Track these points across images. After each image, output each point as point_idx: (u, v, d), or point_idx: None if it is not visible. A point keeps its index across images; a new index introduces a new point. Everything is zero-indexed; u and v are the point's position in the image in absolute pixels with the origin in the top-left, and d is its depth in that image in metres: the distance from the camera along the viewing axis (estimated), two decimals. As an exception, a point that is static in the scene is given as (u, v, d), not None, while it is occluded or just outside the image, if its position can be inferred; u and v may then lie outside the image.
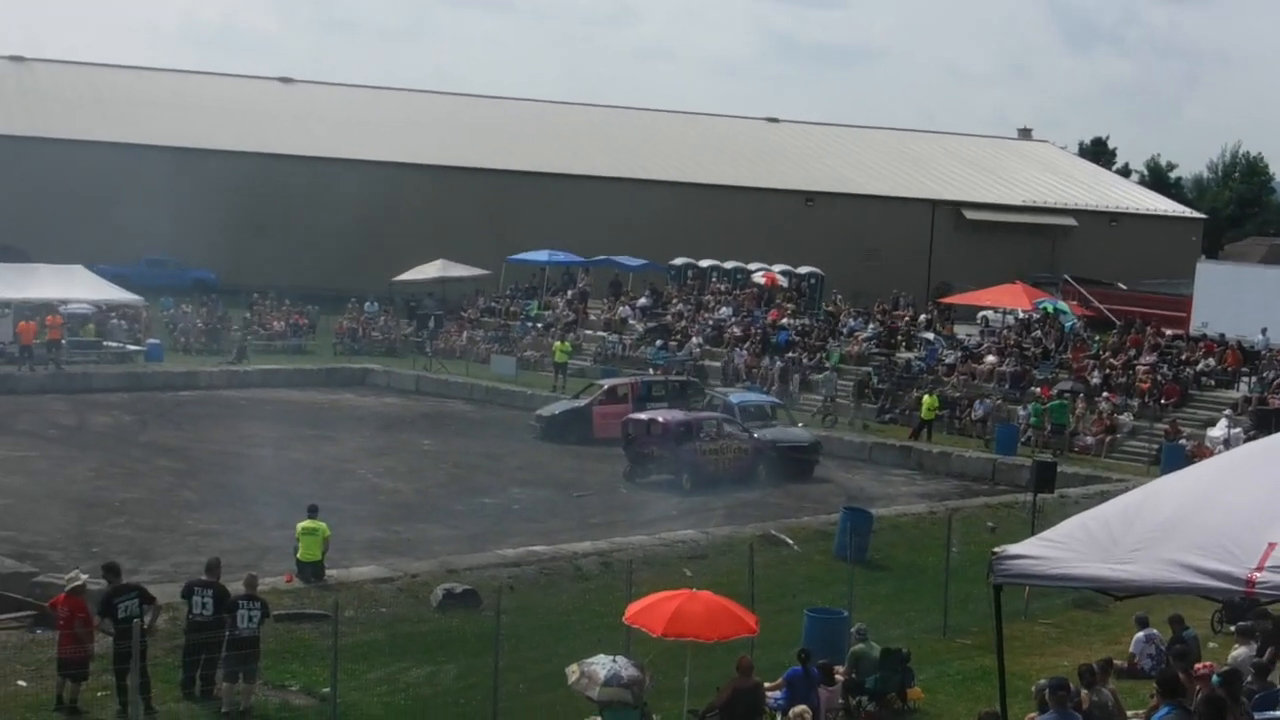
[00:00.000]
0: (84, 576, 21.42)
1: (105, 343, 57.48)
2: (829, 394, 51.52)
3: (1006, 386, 50.59)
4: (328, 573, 26.92)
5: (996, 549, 13.84)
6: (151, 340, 58.07)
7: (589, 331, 63.00)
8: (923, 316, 60.72)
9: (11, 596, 25.19)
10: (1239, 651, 20.96)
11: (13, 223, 67.41)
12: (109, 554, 28.19)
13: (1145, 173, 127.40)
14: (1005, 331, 57.67)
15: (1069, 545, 13.23)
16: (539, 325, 63.83)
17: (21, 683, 21.36)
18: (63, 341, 54.03)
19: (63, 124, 77.29)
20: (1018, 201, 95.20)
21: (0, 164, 71.33)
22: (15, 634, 23.72)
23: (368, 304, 67.34)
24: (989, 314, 65.30)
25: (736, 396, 46.04)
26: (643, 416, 41.90)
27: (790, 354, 55.57)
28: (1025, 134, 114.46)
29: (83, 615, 20.48)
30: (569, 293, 67.78)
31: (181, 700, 20.87)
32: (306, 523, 26.90)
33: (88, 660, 20.43)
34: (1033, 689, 18.65)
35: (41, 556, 28.44)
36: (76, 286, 57.02)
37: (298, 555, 26.78)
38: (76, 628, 20.37)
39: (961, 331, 59.30)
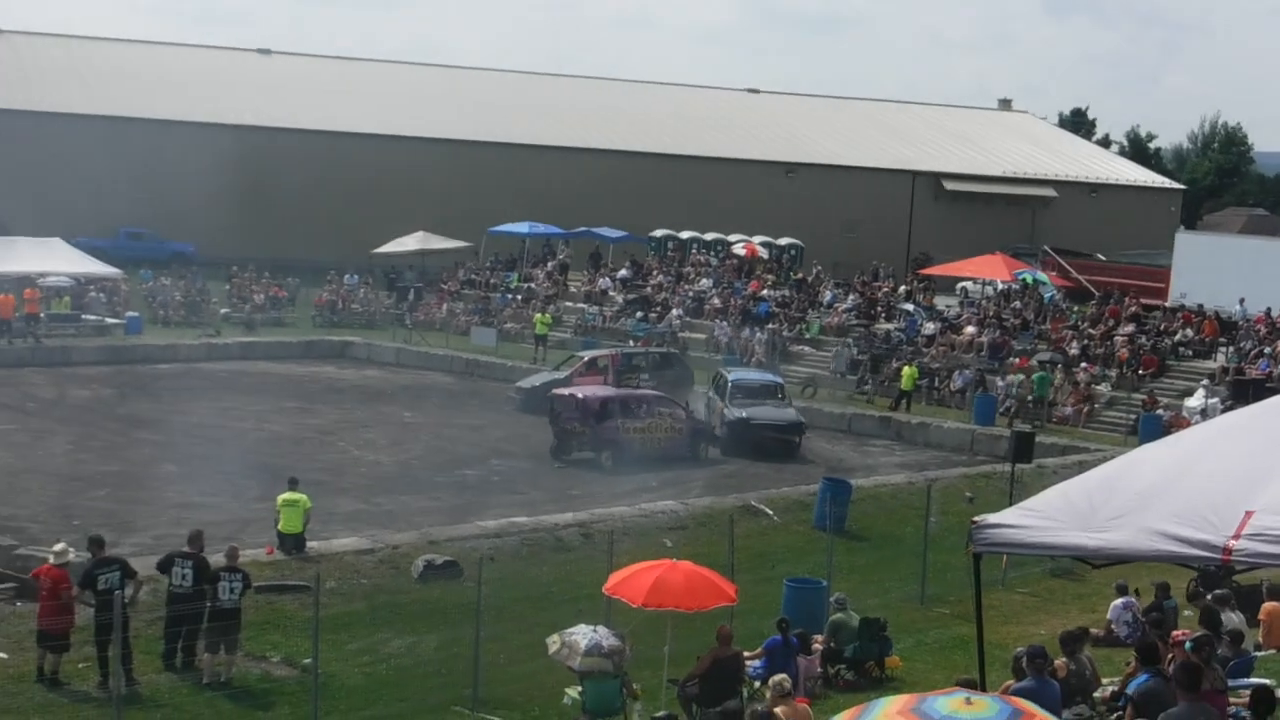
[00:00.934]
0: (71, 551, 21.42)
1: (84, 316, 57.29)
2: (837, 368, 51.57)
3: (985, 357, 50.71)
4: (308, 544, 26.95)
5: (976, 518, 13.93)
6: (130, 313, 57.92)
7: (569, 303, 63.02)
8: (902, 288, 60.81)
9: (-8, 569, 25.20)
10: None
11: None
12: (90, 527, 28.13)
13: (1125, 143, 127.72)
14: (985, 302, 57.83)
15: (1048, 514, 13.35)
16: (519, 297, 63.81)
17: (1, 654, 21.37)
18: (41, 315, 53.90)
19: (41, 96, 76.94)
20: (997, 172, 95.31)
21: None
22: (-4, 606, 23.74)
23: (347, 276, 67.22)
24: (968, 285, 65.46)
25: (735, 374, 45.40)
26: (565, 391, 41.24)
27: (771, 325, 55.60)
28: (1005, 104, 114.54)
29: (65, 586, 20.50)
30: (549, 264, 67.76)
31: (163, 672, 20.92)
32: (287, 495, 26.93)
33: (69, 632, 20.46)
34: (1010, 657, 18.75)
35: (22, 530, 28.42)
36: (55, 259, 56.84)
37: (278, 527, 26.80)
38: (62, 598, 20.39)
39: (941, 303, 59.43)
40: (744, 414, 41.73)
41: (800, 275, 62.97)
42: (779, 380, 45.34)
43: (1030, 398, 46.93)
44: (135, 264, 65.33)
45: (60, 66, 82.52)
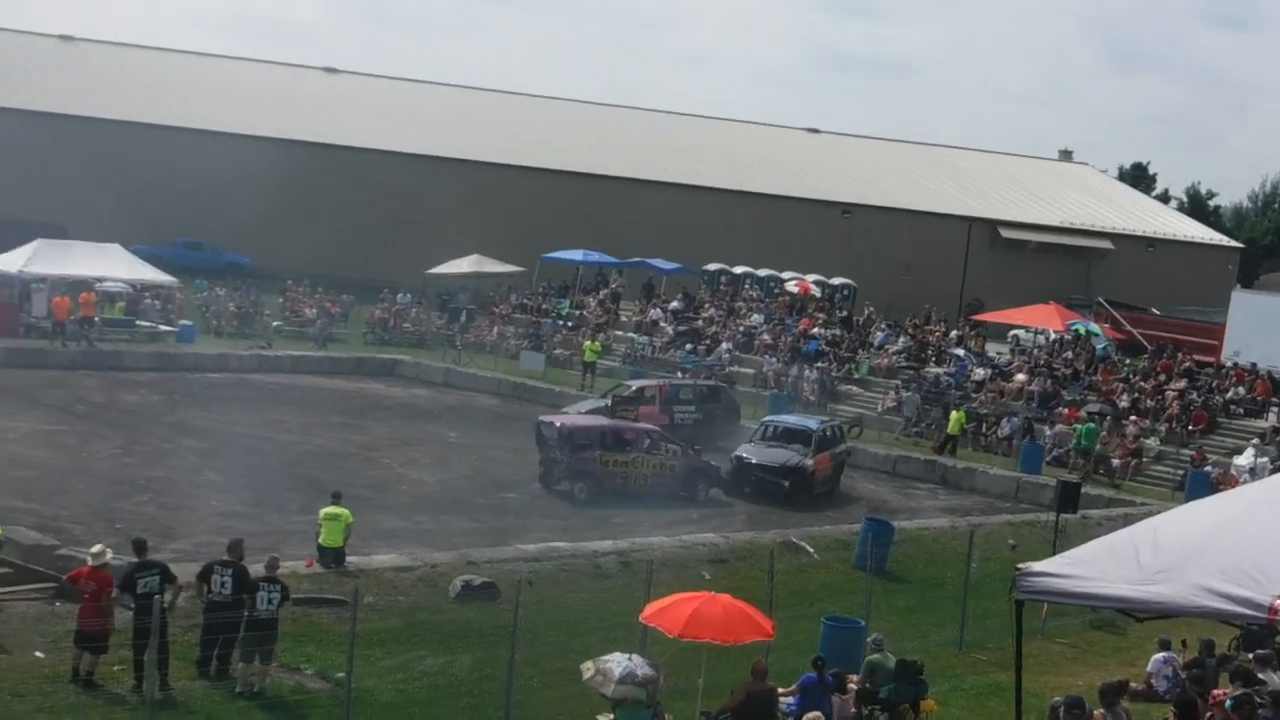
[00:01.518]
0: (109, 553, 21.51)
1: (138, 322, 57.65)
2: (910, 414, 51.11)
3: (1035, 405, 50.44)
4: (348, 559, 27.04)
5: (1021, 565, 13.84)
6: (184, 322, 58.25)
7: (619, 332, 63.04)
8: (954, 332, 60.57)
9: (34, 568, 25.34)
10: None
11: (52, 200, 67.67)
12: (132, 531, 28.29)
13: (1185, 199, 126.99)
14: (1036, 351, 57.54)
15: (1094, 565, 13.26)
16: (570, 324, 63.88)
17: (39, 654, 21.48)
18: (96, 319, 54.24)
19: (107, 104, 77.64)
20: (1055, 222, 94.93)
21: (44, 141, 71.70)
22: (35, 605, 23.86)
23: (400, 295, 67.49)
24: (1020, 333, 65.14)
25: (772, 416, 44.75)
26: (548, 418, 40.24)
27: (820, 364, 55.48)
28: (1066, 156, 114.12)
29: (108, 590, 20.60)
30: (601, 293, 67.83)
31: (197, 679, 20.96)
32: (330, 508, 27.05)
33: (107, 634, 20.54)
34: (1047, 706, 18.61)
35: (64, 530, 28.56)
36: (112, 265, 57.19)
37: (319, 540, 26.92)
38: (103, 601, 20.48)
39: (992, 349, 59.18)
40: (743, 453, 40.86)
41: (846, 313, 62.81)
42: (812, 427, 42.45)
43: (1076, 448, 46.62)
44: (191, 273, 65.78)
45: (127, 75, 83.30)
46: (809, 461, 40.47)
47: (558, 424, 38.92)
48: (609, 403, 46.82)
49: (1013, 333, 66.19)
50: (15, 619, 22.96)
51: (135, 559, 21.28)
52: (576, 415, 42.14)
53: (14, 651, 21.53)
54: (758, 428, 43.02)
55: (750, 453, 40.77)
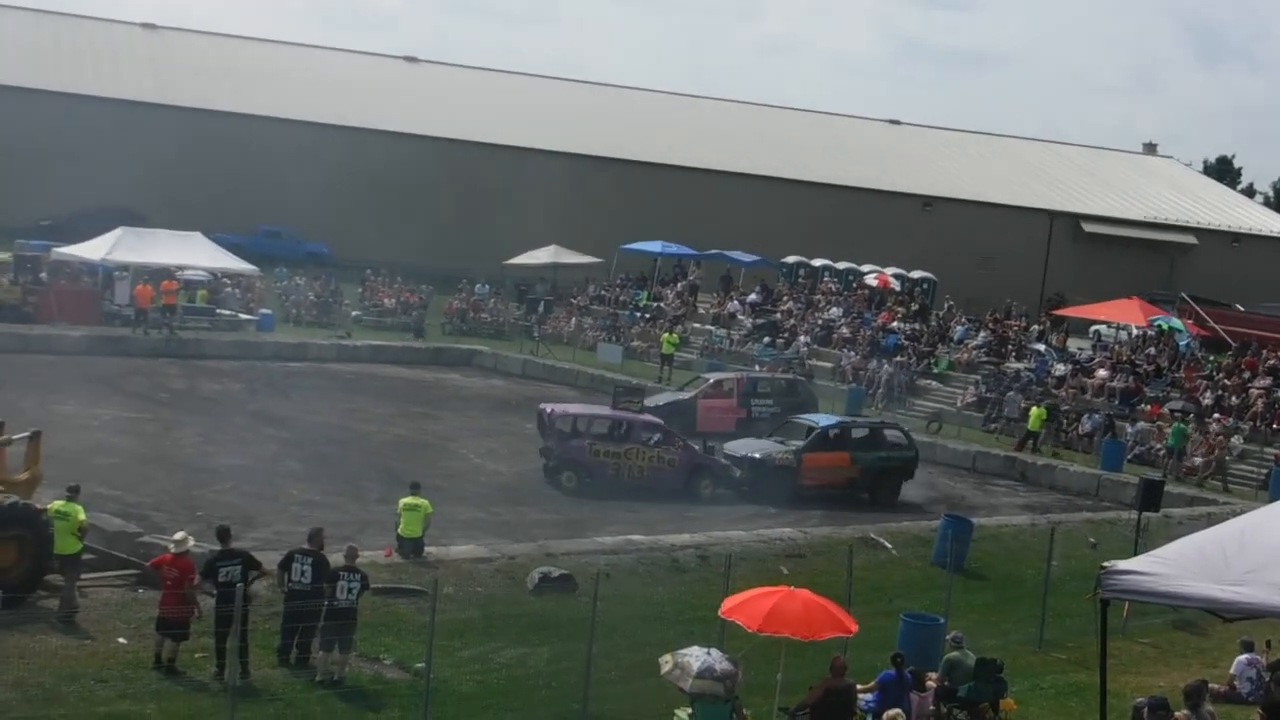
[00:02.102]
0: (191, 540, 21.68)
1: (219, 310, 58.12)
2: (1010, 414, 50.52)
3: (1116, 402, 49.97)
4: (427, 549, 27.14)
5: (1106, 564, 13.69)
6: (264, 310, 58.71)
7: (697, 325, 62.96)
8: (1035, 327, 60.08)
9: (117, 555, 25.59)
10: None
11: (135, 188, 68.30)
12: (212, 518, 28.60)
13: (1270, 194, 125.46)
14: (1118, 347, 56.98)
15: (1181, 564, 13.12)
16: (647, 315, 63.87)
17: (122, 640, 21.68)
18: (178, 307, 54.72)
19: (190, 92, 78.26)
20: (1138, 216, 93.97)
21: (126, 129, 72.39)
22: (119, 591, 24.09)
23: (478, 285, 67.69)
24: (1102, 328, 64.54)
25: (809, 414, 43.01)
26: (546, 406, 39.45)
27: (899, 358, 55.21)
28: (1150, 149, 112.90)
29: (191, 577, 20.77)
30: (679, 285, 67.77)
31: (277, 667, 21.11)
32: (409, 499, 27.16)
33: (189, 621, 20.71)
34: (1130, 707, 18.43)
35: (146, 517, 28.83)
36: (194, 253, 57.73)
37: (399, 530, 27.04)
38: (184, 589, 20.65)
39: (1073, 345, 58.68)
40: (729, 448, 39.51)
41: (919, 305, 62.35)
42: (821, 423, 40.40)
43: (1163, 447, 46.17)
44: (271, 262, 66.20)
45: (210, 64, 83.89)
46: (785, 456, 38.52)
47: (549, 410, 38.39)
48: (691, 396, 46.89)
49: (1094, 328, 65.59)
50: (99, 605, 23.20)
51: (218, 547, 21.46)
52: (573, 404, 41.43)
53: (97, 638, 21.75)
54: (779, 424, 42.06)
55: (738, 447, 39.49)
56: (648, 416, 39.62)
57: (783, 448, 38.96)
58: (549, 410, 38.44)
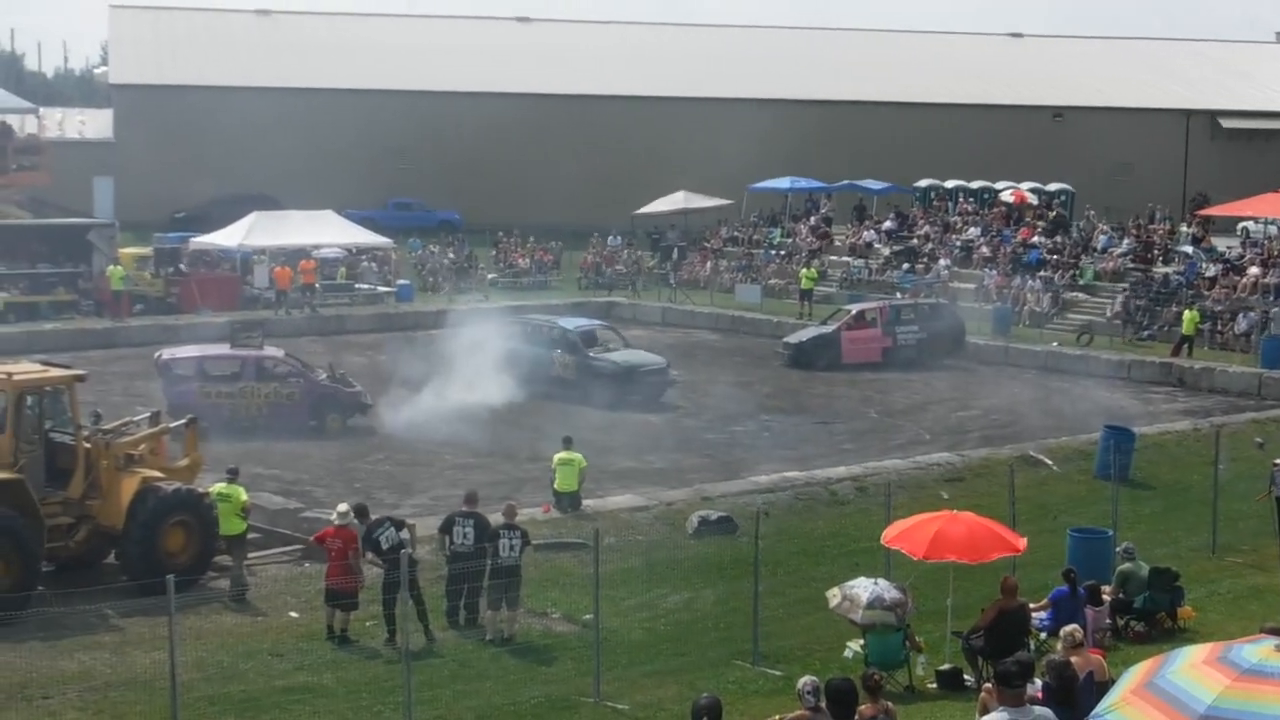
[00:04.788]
0: (353, 512, 21.88)
1: (357, 285, 58.68)
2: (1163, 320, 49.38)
3: (1271, 299, 48.76)
4: (584, 502, 27.16)
5: (1278, 460, 13.27)
6: (401, 281, 59.13)
7: (834, 257, 62.40)
8: (1184, 228, 58.72)
9: (281, 532, 25.95)
10: None
11: (265, 172, 69.10)
12: (370, 489, 28.95)
13: None
14: (1268, 242, 55.53)
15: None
16: (783, 253, 63.43)
17: (293, 614, 21.97)
18: (316, 285, 55.29)
19: (306, 73, 78.98)
20: (1278, 108, 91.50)
21: (249, 116, 73.13)
22: (285, 567, 24.42)
23: (610, 238, 67.66)
24: (1250, 225, 62.95)
25: (569, 323, 42.94)
26: (162, 352, 37.21)
27: (1042, 273, 54.32)
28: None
29: (354, 547, 20.96)
30: (812, 219, 67.19)
31: (447, 629, 21.26)
32: (562, 454, 27.20)
33: (357, 590, 20.90)
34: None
35: (306, 493, 29.19)
36: (328, 231, 58.42)
37: (554, 486, 27.10)
38: (349, 558, 20.84)
39: (1221, 244, 57.32)
40: (618, 360, 41.16)
41: (1054, 214, 61.02)
42: (607, 324, 42.70)
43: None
44: (404, 233, 66.74)
45: (324, 43, 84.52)
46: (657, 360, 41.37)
47: (159, 356, 36.64)
48: (834, 328, 46.67)
49: (1242, 225, 64.00)
50: (268, 582, 23.56)
51: (375, 516, 21.76)
52: (185, 347, 38.53)
53: (269, 614, 22.06)
54: (562, 339, 41.61)
55: (617, 358, 40.88)
56: (269, 351, 37.33)
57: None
58: (160, 356, 36.64)
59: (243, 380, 35.60)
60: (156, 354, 37.39)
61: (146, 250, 56.06)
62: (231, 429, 33.57)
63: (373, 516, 21.89)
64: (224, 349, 37.37)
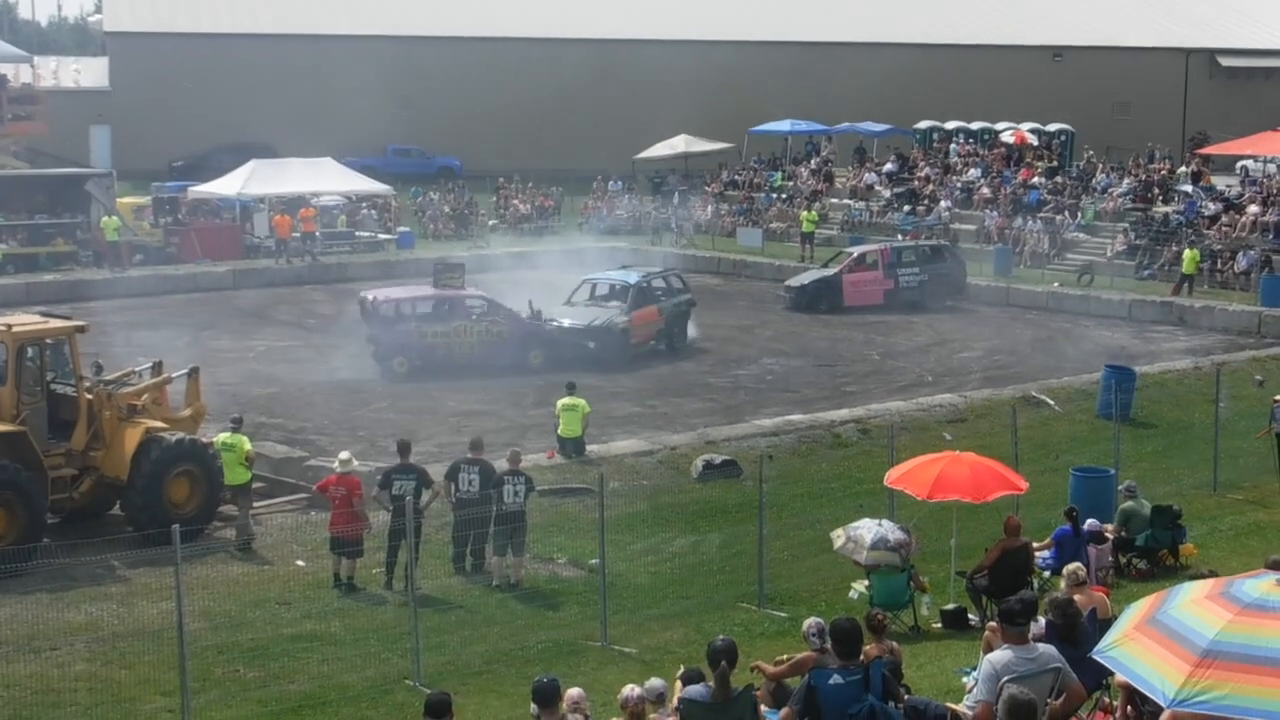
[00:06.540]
0: (355, 460, 21.94)
1: (357, 233, 58.63)
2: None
3: (1271, 237, 48.71)
4: (588, 448, 27.22)
5: (1278, 396, 13.31)
6: (401, 228, 59.06)
7: (834, 200, 62.30)
8: (1183, 168, 58.58)
9: (286, 481, 26.02)
10: None
11: (263, 120, 69.00)
12: (375, 437, 28.96)
13: None
14: (1267, 180, 55.43)
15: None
16: (784, 196, 63.32)
17: (300, 562, 22.06)
18: (317, 234, 55.22)
19: (305, 19, 78.58)
20: (1278, 45, 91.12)
21: (247, 63, 73.04)
22: (291, 516, 24.51)
23: (611, 183, 67.54)
24: (1249, 163, 62.82)
25: (592, 275, 41.62)
26: (366, 293, 38.02)
27: (1043, 213, 54.24)
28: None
29: (358, 493, 21.02)
30: (813, 161, 67.03)
31: (453, 575, 21.34)
32: (566, 400, 27.24)
33: (362, 538, 20.97)
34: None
35: (310, 442, 29.21)
36: (327, 179, 58.30)
37: (559, 432, 27.16)
38: (354, 505, 20.91)
39: (1220, 183, 57.19)
40: (555, 317, 37.92)
41: (1058, 157, 60.90)
42: (630, 280, 39.62)
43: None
44: (404, 180, 66.63)
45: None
46: (621, 319, 37.87)
47: (370, 298, 37.13)
48: (836, 271, 46.67)
49: (1241, 163, 63.88)
50: (274, 531, 23.67)
51: (397, 459, 21.72)
52: (394, 288, 39.80)
53: (275, 562, 22.17)
54: (578, 286, 40.25)
55: (562, 315, 38.00)
56: (472, 290, 38.01)
57: (615, 312, 38.09)
58: (370, 297, 37.15)
59: (456, 319, 36.38)
60: (361, 295, 38.11)
61: (145, 200, 55.99)
62: (447, 368, 35.26)
63: (410, 460, 21.81)
64: (428, 289, 37.97)
